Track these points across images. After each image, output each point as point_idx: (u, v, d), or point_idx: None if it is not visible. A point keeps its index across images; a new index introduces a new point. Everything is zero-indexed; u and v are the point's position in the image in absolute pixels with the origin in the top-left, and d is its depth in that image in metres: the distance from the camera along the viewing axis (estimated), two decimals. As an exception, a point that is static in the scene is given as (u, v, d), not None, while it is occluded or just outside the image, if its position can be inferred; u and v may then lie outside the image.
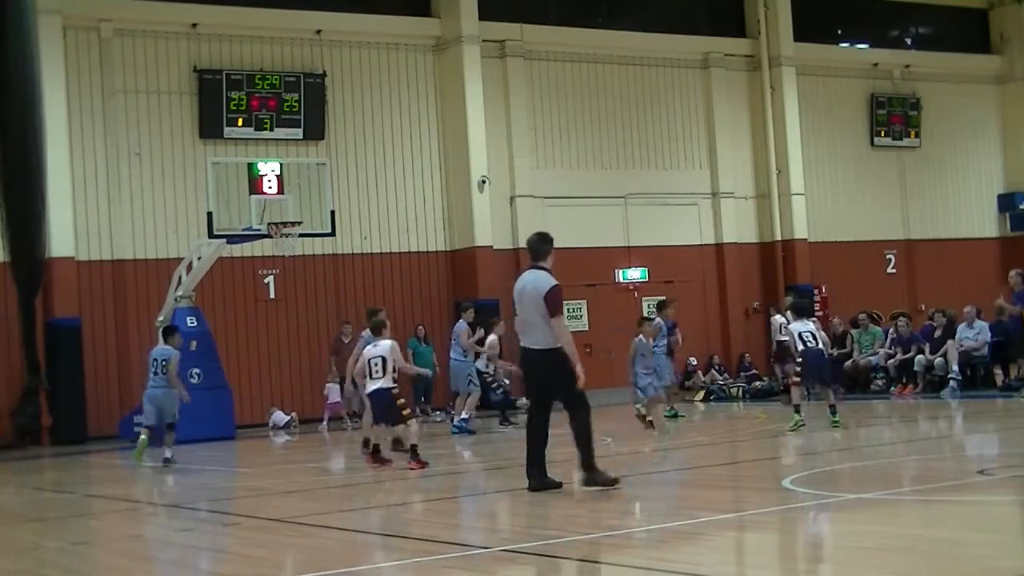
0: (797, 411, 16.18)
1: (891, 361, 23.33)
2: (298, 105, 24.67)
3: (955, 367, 21.80)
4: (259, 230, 20.68)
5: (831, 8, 31.56)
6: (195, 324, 21.37)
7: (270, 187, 20.80)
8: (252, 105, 24.27)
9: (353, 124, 25.55)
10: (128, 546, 10.20)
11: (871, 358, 23.77)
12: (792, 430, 15.88)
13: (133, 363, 22.62)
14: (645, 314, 20.64)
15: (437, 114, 26.32)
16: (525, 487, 11.17)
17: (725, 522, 9.44)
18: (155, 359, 16.83)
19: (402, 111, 26.03)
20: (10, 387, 22.26)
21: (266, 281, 24.46)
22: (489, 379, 20.00)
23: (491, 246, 25.99)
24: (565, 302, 11.70)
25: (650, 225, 28.14)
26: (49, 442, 22.31)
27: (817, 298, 28.70)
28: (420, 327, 24.67)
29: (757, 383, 25.72)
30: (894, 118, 31.80)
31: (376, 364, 14.10)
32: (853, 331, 24.45)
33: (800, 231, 29.64)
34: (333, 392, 22.73)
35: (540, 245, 11.49)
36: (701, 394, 25.84)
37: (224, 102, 24.06)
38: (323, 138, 25.07)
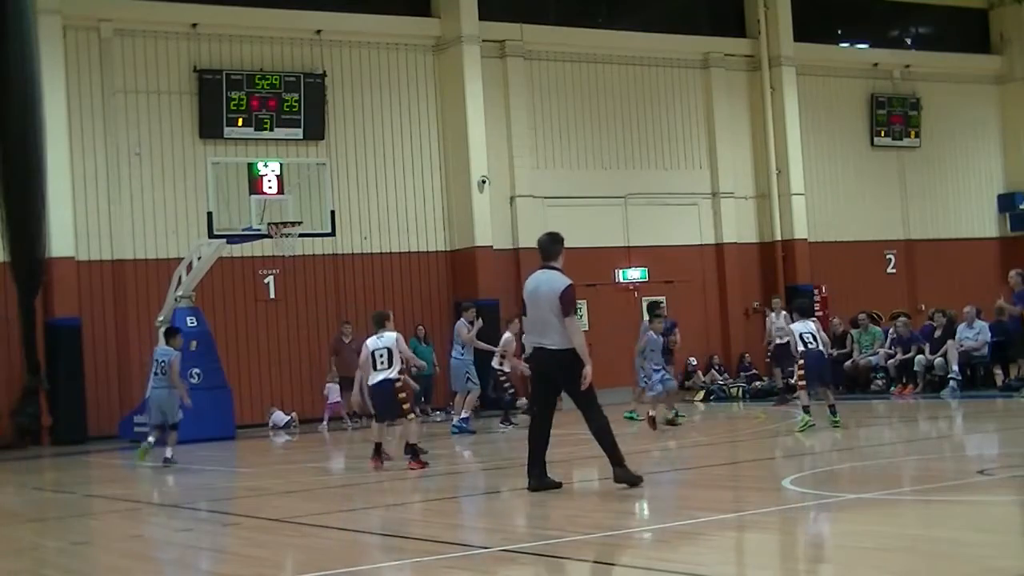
0: (806, 411, 16.15)
1: (891, 361, 23.34)
2: (298, 105, 24.67)
3: (955, 367, 21.79)
4: (259, 230, 20.67)
5: (831, 8, 31.54)
6: (195, 324, 21.37)
7: (270, 187, 20.79)
8: (252, 105, 24.27)
9: (353, 124, 25.54)
10: (128, 546, 10.20)
11: (871, 358, 23.78)
12: (801, 430, 15.88)
13: (133, 363, 22.66)
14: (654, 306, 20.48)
15: (437, 114, 26.31)
16: (525, 487, 11.17)
17: (725, 522, 9.43)
18: (156, 360, 16.94)
19: (402, 111, 26.02)
20: (10, 387, 22.26)
21: (266, 281, 24.45)
22: (502, 378, 19.91)
23: (491, 246, 25.98)
24: (567, 302, 11.69)
25: (650, 225, 28.12)
26: (49, 442, 22.31)
27: (817, 298, 28.69)
28: (420, 327, 24.66)
29: (757, 383, 25.73)
30: (894, 118, 31.78)
31: (382, 355, 14.11)
32: (853, 331, 24.46)
33: (800, 231, 29.62)
34: (333, 392, 22.78)
35: (551, 245, 11.43)
36: (701, 394, 25.88)
37: (224, 102, 24.05)
38: (323, 138, 25.06)
